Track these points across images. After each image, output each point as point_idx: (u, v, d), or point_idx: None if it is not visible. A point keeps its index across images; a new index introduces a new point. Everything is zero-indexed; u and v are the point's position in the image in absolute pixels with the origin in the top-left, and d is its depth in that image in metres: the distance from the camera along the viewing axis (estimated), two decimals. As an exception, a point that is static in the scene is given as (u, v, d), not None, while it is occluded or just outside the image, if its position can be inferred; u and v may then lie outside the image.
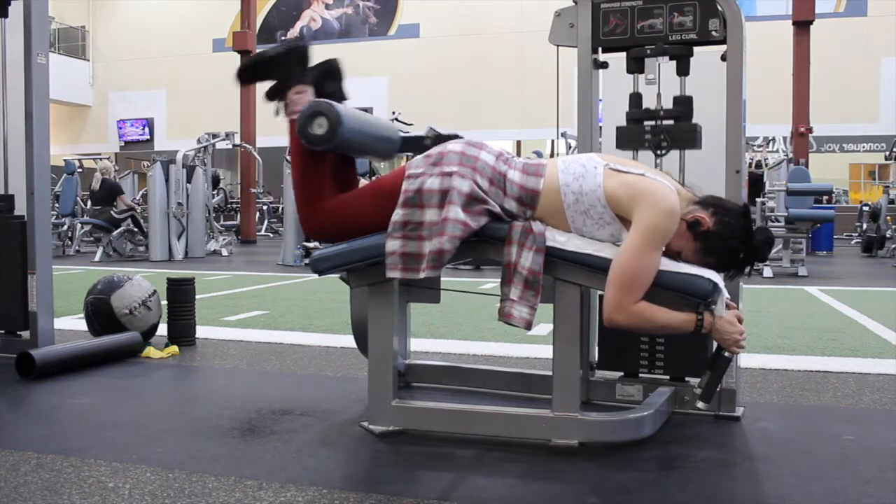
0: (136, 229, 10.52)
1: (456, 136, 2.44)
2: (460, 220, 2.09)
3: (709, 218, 2.12)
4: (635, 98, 2.58)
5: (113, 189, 10.56)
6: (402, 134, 2.58)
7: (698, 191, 2.23)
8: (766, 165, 11.48)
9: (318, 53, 2.42)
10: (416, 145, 2.53)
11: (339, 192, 2.34)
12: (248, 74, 2.50)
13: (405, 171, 2.22)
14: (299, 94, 2.34)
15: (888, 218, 11.60)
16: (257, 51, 2.39)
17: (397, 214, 2.16)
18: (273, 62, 2.40)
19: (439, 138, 2.50)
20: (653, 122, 2.52)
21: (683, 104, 2.51)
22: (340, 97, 2.38)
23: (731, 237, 2.11)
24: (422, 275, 2.13)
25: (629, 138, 2.56)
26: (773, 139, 18.53)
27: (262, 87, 2.43)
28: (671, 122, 2.52)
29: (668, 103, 2.54)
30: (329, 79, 2.40)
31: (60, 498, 1.77)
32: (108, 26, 25.56)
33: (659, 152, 2.51)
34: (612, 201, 2.10)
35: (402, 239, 2.15)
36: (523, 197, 2.17)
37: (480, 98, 21.41)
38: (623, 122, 2.59)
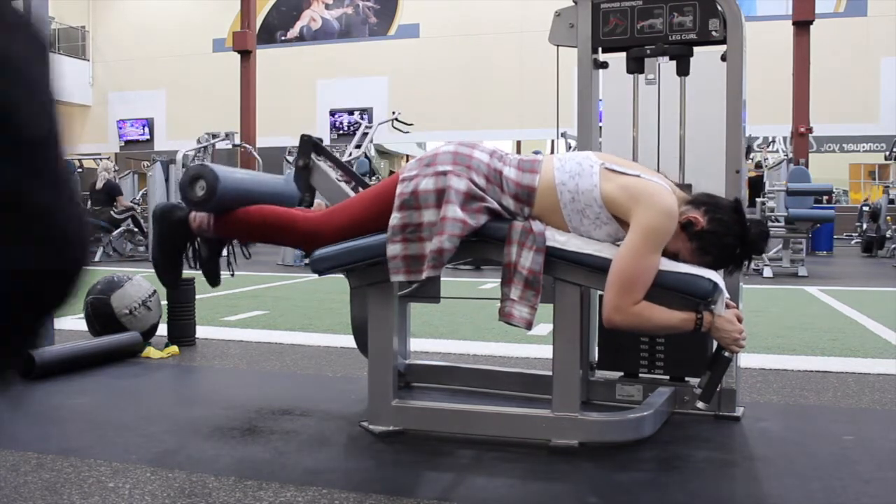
0: (136, 229, 10.52)
1: (307, 137, 2.47)
2: (459, 218, 2.09)
3: (701, 217, 2.12)
4: None
5: (113, 189, 10.56)
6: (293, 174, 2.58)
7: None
8: (766, 165, 11.48)
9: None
10: (302, 175, 2.51)
11: (303, 212, 2.41)
12: (172, 272, 2.53)
13: (398, 176, 2.22)
14: (197, 218, 2.43)
15: (888, 218, 11.60)
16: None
17: (395, 218, 2.15)
18: (167, 241, 2.48)
19: (302, 147, 2.51)
20: None
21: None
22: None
23: (725, 234, 2.11)
24: (423, 275, 2.13)
25: None
26: (774, 139, 18.55)
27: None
28: None
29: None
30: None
31: (60, 498, 1.77)
32: (108, 26, 25.54)
33: None
34: (609, 203, 2.09)
35: (402, 242, 2.14)
36: (520, 193, 2.16)
37: (480, 98, 21.39)
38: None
